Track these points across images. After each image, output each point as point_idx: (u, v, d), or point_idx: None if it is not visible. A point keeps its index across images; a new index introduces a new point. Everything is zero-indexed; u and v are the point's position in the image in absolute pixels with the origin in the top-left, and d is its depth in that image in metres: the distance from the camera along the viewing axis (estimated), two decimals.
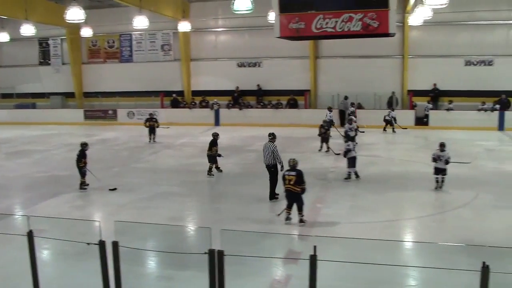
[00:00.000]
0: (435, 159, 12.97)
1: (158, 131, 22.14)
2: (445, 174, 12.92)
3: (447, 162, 12.82)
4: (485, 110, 24.46)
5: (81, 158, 13.59)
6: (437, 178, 12.96)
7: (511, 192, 13.04)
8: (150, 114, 22.68)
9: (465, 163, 13.62)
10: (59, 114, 30.24)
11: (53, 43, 31.85)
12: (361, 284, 7.62)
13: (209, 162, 15.35)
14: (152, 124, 21.87)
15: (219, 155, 15.40)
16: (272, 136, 12.83)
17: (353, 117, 19.96)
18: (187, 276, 7.92)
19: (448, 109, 25.23)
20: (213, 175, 15.30)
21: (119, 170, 16.45)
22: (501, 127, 24.12)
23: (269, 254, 8.62)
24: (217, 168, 15.55)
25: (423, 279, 7.80)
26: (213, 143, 15.33)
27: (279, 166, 12.29)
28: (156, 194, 13.36)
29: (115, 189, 13.55)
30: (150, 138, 21.84)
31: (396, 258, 8.50)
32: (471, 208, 11.69)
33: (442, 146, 13.04)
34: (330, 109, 23.41)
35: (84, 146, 13.74)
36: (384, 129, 24.19)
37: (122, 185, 13.96)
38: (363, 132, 20.64)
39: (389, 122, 24.12)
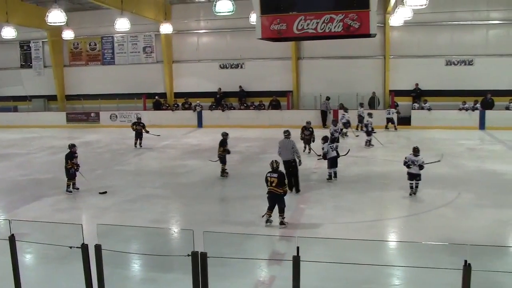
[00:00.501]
0: (408, 164, 12.48)
1: (145, 134, 21.34)
2: (419, 180, 12.52)
3: (421, 167, 12.35)
4: (466, 109, 24.71)
5: (67, 159, 13.49)
6: (411, 183, 12.56)
7: (492, 190, 13.17)
8: (138, 118, 21.96)
9: (435, 162, 13.22)
10: (41, 117, 29.97)
11: (34, 46, 31.56)
12: (345, 284, 7.66)
13: (220, 163, 15.26)
14: (139, 129, 21.10)
15: (228, 152, 15.24)
16: (288, 133, 13.71)
17: (337, 119, 19.78)
18: (171, 279, 7.90)
19: (426, 109, 25.33)
20: (226, 176, 15.19)
21: (102, 173, 16.34)
22: (482, 126, 24.38)
23: (252, 255, 8.63)
24: (222, 169, 15.28)
25: (407, 278, 7.87)
26: (222, 143, 15.19)
27: (297, 161, 13.17)
28: (139, 196, 13.30)
29: (105, 192, 13.45)
30: (136, 143, 21.12)
31: (379, 258, 8.57)
32: (453, 207, 11.81)
33: (415, 150, 12.50)
34: (346, 110, 23.45)
35: (71, 147, 13.66)
36: (386, 127, 24.42)
37: (105, 188, 13.87)
38: (375, 132, 20.65)
39: (390, 120, 24.41)
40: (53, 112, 30.94)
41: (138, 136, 21.10)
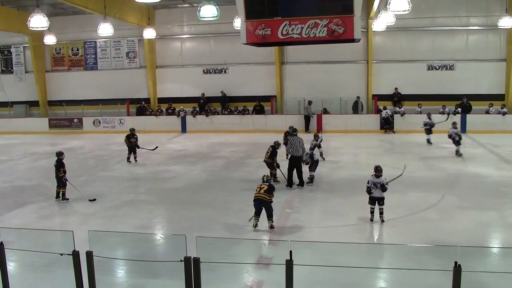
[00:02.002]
0: (369, 190, 10.87)
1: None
2: (383, 204, 10.86)
3: (384, 188, 10.79)
4: (448, 113, 24.89)
5: (59, 167, 13.31)
6: (372, 208, 10.93)
7: (474, 193, 13.36)
8: (131, 130, 19.28)
9: (397, 177, 12.04)
10: (23, 123, 29.62)
11: (15, 51, 31.16)
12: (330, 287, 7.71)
13: (270, 169, 14.75)
14: (133, 142, 18.81)
15: (278, 165, 14.67)
16: (297, 131, 15.11)
17: (318, 135, 18.15)
18: (159, 285, 7.87)
19: (401, 114, 25.56)
20: (278, 181, 14.59)
21: (85, 179, 16.19)
22: (463, 130, 24.56)
23: (240, 260, 8.64)
24: (273, 175, 14.61)
25: (394, 280, 7.93)
26: (275, 153, 14.70)
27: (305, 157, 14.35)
28: (124, 202, 13.24)
29: (94, 199, 13.26)
30: (129, 158, 18.93)
31: (366, 260, 8.60)
32: (437, 209, 11.95)
33: (378, 171, 10.88)
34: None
35: (59, 155, 13.47)
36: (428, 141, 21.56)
37: (89, 194, 13.75)
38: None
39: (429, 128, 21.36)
40: (35, 118, 30.60)
41: (132, 150, 18.95)
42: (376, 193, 10.81)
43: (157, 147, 19.92)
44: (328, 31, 12.83)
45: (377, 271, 8.08)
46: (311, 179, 14.51)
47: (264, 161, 15.01)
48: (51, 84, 30.98)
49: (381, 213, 10.88)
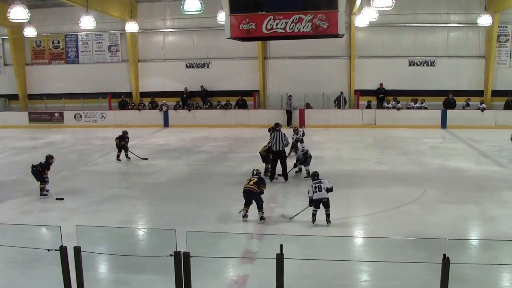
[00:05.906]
0: (311, 200, 10.42)
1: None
2: (328, 206, 10.34)
3: (329, 190, 10.35)
4: (398, 109, 25.43)
5: (44, 168, 13.12)
6: (315, 212, 10.41)
7: (455, 187, 13.53)
8: (124, 132, 18.23)
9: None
10: (2, 117, 29.12)
11: None
12: (316, 281, 7.74)
13: (264, 162, 14.96)
14: (123, 144, 18.03)
15: (268, 160, 14.84)
16: (280, 126, 14.99)
17: (299, 129, 17.59)
18: (144, 280, 7.82)
19: (397, 108, 25.89)
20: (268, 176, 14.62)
21: (67, 174, 16.04)
22: (443, 125, 24.95)
23: (223, 254, 8.64)
24: (266, 169, 14.81)
25: (378, 274, 8.00)
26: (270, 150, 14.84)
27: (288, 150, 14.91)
28: (107, 197, 13.14)
29: (62, 199, 12.90)
30: (119, 156, 18.05)
31: (350, 254, 8.67)
32: (420, 203, 12.08)
33: (315, 176, 10.79)
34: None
35: (49, 158, 13.31)
36: None
37: (71, 189, 13.64)
38: None
39: None
40: (14, 112, 30.15)
41: (123, 148, 18.13)
42: (321, 194, 10.25)
43: (147, 159, 18.43)
44: (312, 26, 12.88)
45: (361, 264, 8.14)
46: (308, 173, 14.51)
47: (260, 153, 15.09)
48: (31, 78, 30.56)
49: (327, 215, 10.34)
